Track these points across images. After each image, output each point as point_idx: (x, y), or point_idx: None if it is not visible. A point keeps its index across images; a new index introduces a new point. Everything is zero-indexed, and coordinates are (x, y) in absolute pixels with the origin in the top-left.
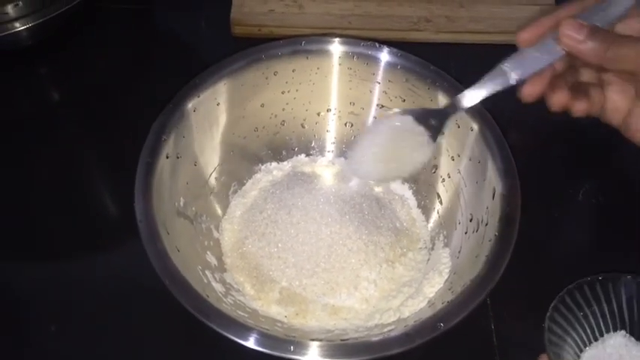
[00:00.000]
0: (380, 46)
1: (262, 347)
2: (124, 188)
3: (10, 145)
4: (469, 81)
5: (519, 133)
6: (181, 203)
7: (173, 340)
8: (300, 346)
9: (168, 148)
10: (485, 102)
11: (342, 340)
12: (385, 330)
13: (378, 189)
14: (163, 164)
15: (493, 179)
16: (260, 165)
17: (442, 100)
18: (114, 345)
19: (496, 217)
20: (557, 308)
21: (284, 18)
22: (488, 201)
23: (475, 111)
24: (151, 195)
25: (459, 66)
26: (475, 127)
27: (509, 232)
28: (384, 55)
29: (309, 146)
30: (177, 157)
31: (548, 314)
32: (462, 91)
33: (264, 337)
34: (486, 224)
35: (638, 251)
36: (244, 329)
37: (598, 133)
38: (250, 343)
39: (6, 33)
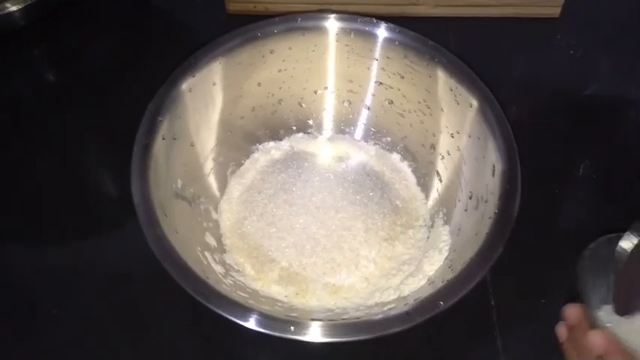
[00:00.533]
0: (377, 21)
1: (262, 328)
2: (121, 170)
3: (5, 127)
4: (469, 55)
5: (519, 109)
6: (179, 185)
7: (174, 322)
8: (300, 326)
9: (164, 129)
10: (483, 78)
11: (342, 319)
12: (385, 308)
13: (377, 167)
14: (160, 146)
15: (493, 156)
16: (258, 145)
17: (441, 77)
18: (115, 327)
19: (496, 195)
20: (588, 256)
21: None
22: (488, 178)
23: (475, 87)
24: (148, 177)
25: (459, 40)
26: (475, 103)
27: (509, 209)
28: (382, 31)
29: (306, 125)
30: (174, 139)
31: (579, 262)
32: (462, 66)
33: (264, 318)
34: (486, 201)
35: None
36: (244, 310)
37: (597, 109)
38: (251, 324)
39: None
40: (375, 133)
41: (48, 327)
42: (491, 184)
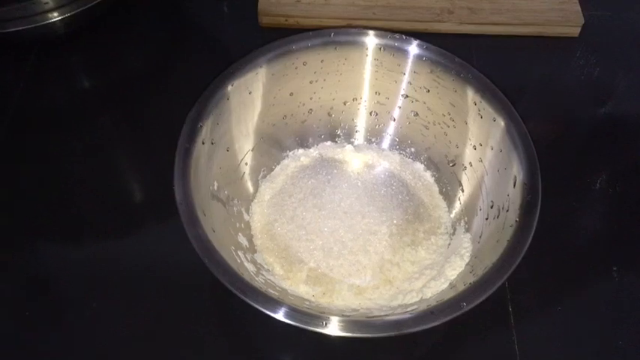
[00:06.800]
0: (407, 38)
1: (295, 321)
2: (154, 174)
3: (44, 134)
4: (490, 71)
5: (537, 124)
6: (215, 187)
7: (204, 316)
8: (330, 321)
9: (204, 134)
10: (504, 93)
11: (369, 317)
12: (408, 309)
13: (402, 176)
14: (200, 149)
15: (515, 168)
16: (288, 152)
17: (466, 91)
18: (149, 320)
19: (517, 204)
20: None
21: (310, 9)
22: (509, 189)
23: (498, 102)
24: (189, 178)
25: (481, 57)
26: (498, 117)
27: (530, 218)
28: (412, 48)
29: (335, 134)
30: (212, 143)
31: None
32: (486, 82)
33: (296, 312)
34: (507, 211)
35: None
36: (278, 304)
37: (614, 126)
38: (286, 317)
39: (42, 23)
40: (399, 144)
41: (85, 321)
42: (513, 195)
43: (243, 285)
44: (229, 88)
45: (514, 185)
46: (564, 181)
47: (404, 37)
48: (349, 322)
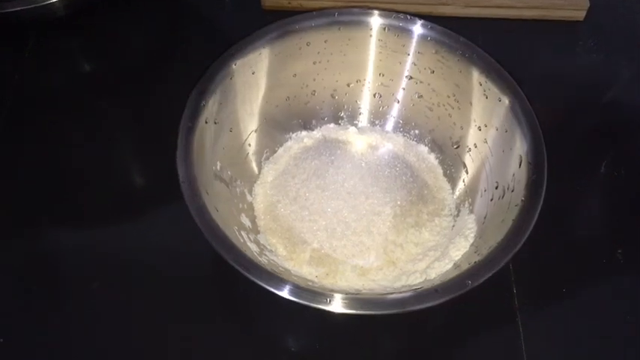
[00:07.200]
0: (412, 18)
1: (299, 298)
2: (156, 158)
3: (44, 117)
4: (494, 54)
5: (541, 106)
6: (218, 167)
7: (208, 296)
8: (335, 298)
9: (207, 113)
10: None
11: (375, 294)
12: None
13: (406, 157)
14: (203, 128)
15: (520, 148)
16: (291, 133)
17: (471, 72)
18: (151, 299)
19: (522, 184)
20: None
21: None
22: (514, 168)
23: (503, 82)
24: (192, 157)
25: (487, 41)
26: (503, 97)
27: (536, 197)
28: (416, 28)
29: (338, 116)
30: (215, 123)
31: None
32: (491, 62)
33: (300, 290)
34: (512, 191)
35: None
36: (282, 281)
37: (618, 110)
38: (290, 294)
39: (41, 4)
40: (403, 126)
41: (87, 301)
42: (518, 174)
43: (247, 262)
44: (233, 67)
45: (519, 165)
46: (569, 164)
47: (408, 16)
48: (353, 300)
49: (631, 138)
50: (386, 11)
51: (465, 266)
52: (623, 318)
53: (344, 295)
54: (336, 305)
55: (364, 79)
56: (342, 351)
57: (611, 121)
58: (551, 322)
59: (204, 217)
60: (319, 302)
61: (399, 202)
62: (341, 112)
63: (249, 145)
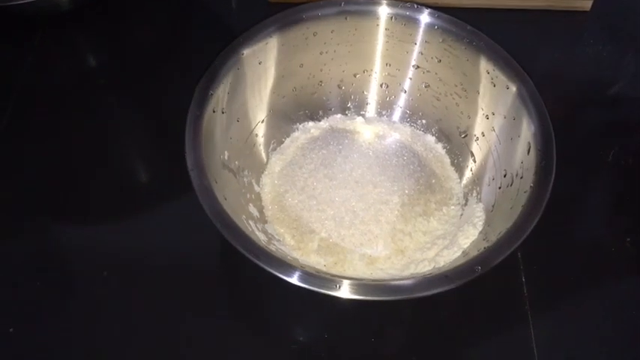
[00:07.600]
0: (419, 7)
1: (309, 284)
2: (163, 151)
3: (51, 111)
4: (501, 46)
5: (547, 97)
6: (226, 157)
7: (216, 283)
8: (344, 284)
9: (215, 102)
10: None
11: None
12: None
13: (413, 146)
14: (210, 117)
15: (528, 135)
16: (298, 124)
17: (478, 60)
18: (160, 288)
19: (531, 171)
20: None
21: None
22: (522, 156)
23: (511, 70)
24: (200, 145)
25: (492, 31)
26: (511, 85)
27: (545, 183)
28: (423, 17)
29: (345, 107)
30: (223, 112)
31: None
32: (498, 50)
33: (311, 276)
34: (521, 177)
35: None
36: (292, 268)
37: (624, 101)
38: (300, 280)
39: None
40: (410, 116)
41: (96, 292)
42: (527, 161)
43: (257, 249)
44: (240, 57)
45: (528, 152)
46: (576, 153)
47: (415, 5)
48: (362, 285)
49: (638, 130)
50: (393, 0)
51: (474, 254)
52: (634, 302)
53: (353, 281)
54: (345, 291)
55: (371, 69)
56: (349, 341)
57: (618, 111)
58: (559, 311)
59: (213, 205)
60: (329, 288)
61: (406, 191)
62: (348, 103)
63: (257, 135)
